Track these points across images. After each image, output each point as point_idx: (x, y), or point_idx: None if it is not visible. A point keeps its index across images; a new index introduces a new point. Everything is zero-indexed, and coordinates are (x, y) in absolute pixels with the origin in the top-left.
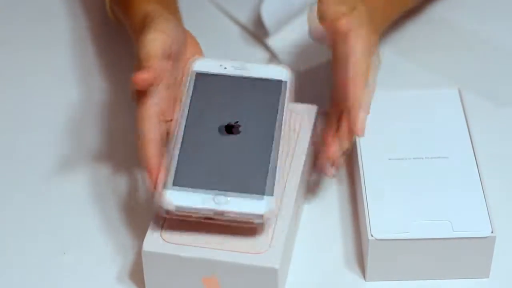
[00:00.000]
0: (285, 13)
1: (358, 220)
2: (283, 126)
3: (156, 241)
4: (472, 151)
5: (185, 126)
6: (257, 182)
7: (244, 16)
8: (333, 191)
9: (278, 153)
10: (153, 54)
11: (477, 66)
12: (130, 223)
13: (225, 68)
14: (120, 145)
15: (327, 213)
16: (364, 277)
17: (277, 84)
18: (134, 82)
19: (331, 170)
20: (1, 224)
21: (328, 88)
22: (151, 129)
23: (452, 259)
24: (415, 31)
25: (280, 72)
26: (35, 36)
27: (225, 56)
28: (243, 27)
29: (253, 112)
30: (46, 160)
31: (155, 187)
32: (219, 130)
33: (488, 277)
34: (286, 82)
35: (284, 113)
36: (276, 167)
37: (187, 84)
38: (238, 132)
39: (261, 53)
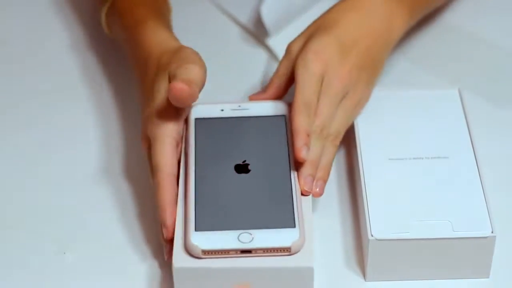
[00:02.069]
0: (285, 13)
1: (358, 220)
2: (292, 157)
3: (184, 255)
4: (472, 151)
5: (194, 172)
6: (279, 215)
7: (244, 16)
8: (332, 191)
9: (294, 184)
10: (195, 81)
11: (477, 66)
12: (131, 223)
13: (222, 110)
14: (123, 148)
15: (326, 212)
16: (364, 277)
17: (279, 119)
18: (174, 91)
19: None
20: (1, 224)
21: None
22: (169, 163)
23: (452, 259)
24: (415, 31)
25: (279, 107)
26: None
27: (225, 57)
28: (243, 27)
29: (262, 149)
30: (47, 160)
31: (170, 238)
32: (229, 171)
33: (488, 277)
34: (286, 115)
35: (290, 145)
36: (294, 199)
37: (188, 131)
38: (248, 171)
39: (261, 54)
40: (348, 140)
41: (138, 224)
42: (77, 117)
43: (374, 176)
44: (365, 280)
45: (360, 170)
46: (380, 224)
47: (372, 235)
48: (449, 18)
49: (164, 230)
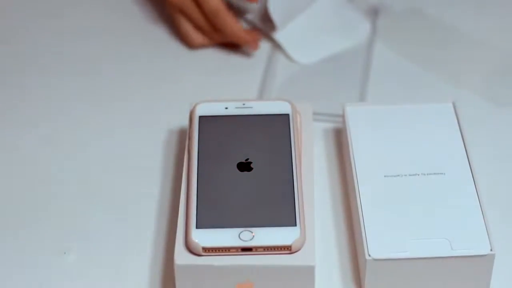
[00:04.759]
0: (292, 7)
1: (353, 238)
2: (295, 157)
3: (186, 253)
4: (469, 167)
5: (197, 170)
6: (280, 214)
7: (251, 10)
8: (327, 209)
9: (296, 183)
10: None
11: (475, 66)
12: (131, 222)
13: (227, 108)
14: (124, 146)
15: (321, 230)
16: None
17: (284, 118)
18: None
19: None
20: (2, 224)
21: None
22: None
23: (451, 278)
24: (412, 29)
25: (283, 106)
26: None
27: (230, 52)
28: (249, 23)
29: (265, 148)
30: (47, 158)
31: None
32: (232, 169)
33: None
34: (290, 114)
35: (294, 143)
36: (296, 197)
37: (192, 129)
38: (251, 169)
39: (264, 46)
40: (343, 156)
41: (139, 223)
42: (77, 117)
43: (370, 194)
44: None
45: (355, 188)
46: (377, 243)
47: (369, 255)
48: (447, 17)
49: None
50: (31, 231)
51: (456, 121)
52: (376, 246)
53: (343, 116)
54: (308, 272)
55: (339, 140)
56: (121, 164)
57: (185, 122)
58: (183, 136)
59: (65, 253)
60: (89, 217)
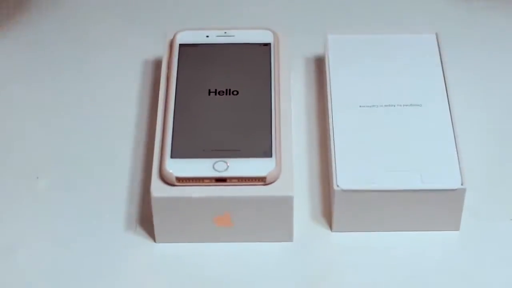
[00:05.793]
0: None
1: (327, 169)
2: (276, 87)
3: (161, 184)
4: (447, 100)
5: (175, 99)
6: (256, 145)
7: None
8: (302, 138)
9: (274, 114)
10: None
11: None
12: (109, 151)
13: (208, 36)
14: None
15: (297, 162)
16: (331, 227)
17: (265, 47)
18: None
19: None
20: None
21: None
22: None
23: (421, 211)
24: None
25: (266, 35)
26: None
27: None
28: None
29: (245, 77)
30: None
31: None
32: (210, 98)
33: (458, 230)
34: (272, 44)
35: (274, 74)
36: (273, 128)
37: (172, 57)
38: (229, 99)
39: None
40: (321, 85)
41: (115, 154)
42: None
43: (344, 124)
44: (332, 231)
45: (329, 118)
46: (346, 174)
47: (337, 186)
48: None
49: None
50: (3, 156)
51: (438, 52)
52: (345, 177)
53: (324, 44)
54: (285, 202)
55: (321, 69)
56: (96, 95)
57: (160, 52)
58: (158, 66)
59: (37, 177)
60: (63, 145)
